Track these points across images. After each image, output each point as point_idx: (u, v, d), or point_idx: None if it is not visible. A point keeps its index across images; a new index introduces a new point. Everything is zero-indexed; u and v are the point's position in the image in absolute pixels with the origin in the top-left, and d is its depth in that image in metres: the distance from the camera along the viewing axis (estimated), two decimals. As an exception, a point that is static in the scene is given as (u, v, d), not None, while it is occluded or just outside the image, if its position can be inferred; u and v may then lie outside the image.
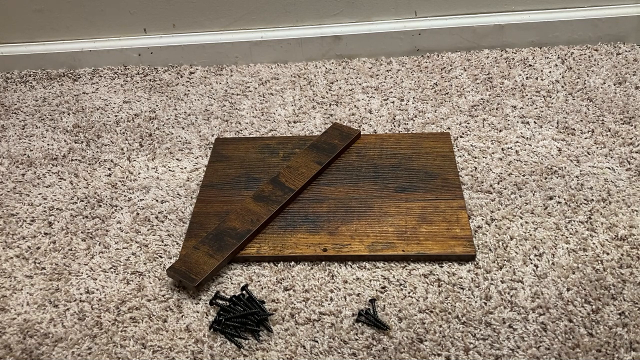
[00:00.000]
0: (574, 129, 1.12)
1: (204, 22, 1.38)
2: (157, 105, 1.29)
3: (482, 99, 1.22)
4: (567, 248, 0.90)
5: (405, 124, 1.17)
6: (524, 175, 1.02)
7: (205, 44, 1.38)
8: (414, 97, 1.24)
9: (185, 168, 1.11)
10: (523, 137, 1.11)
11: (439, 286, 0.86)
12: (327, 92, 1.28)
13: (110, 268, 0.93)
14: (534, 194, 0.99)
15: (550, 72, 1.28)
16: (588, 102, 1.18)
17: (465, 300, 0.84)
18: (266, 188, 1.01)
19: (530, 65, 1.30)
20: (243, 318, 0.82)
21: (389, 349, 0.78)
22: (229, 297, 0.86)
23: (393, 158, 1.07)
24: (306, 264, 0.91)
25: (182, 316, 0.85)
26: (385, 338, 0.80)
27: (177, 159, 1.14)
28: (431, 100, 1.23)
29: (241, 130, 1.20)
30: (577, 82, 1.24)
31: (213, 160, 1.10)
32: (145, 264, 0.93)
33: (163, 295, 0.88)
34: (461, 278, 0.87)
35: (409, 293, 0.85)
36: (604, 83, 1.22)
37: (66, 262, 0.95)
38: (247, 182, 1.05)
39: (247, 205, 0.98)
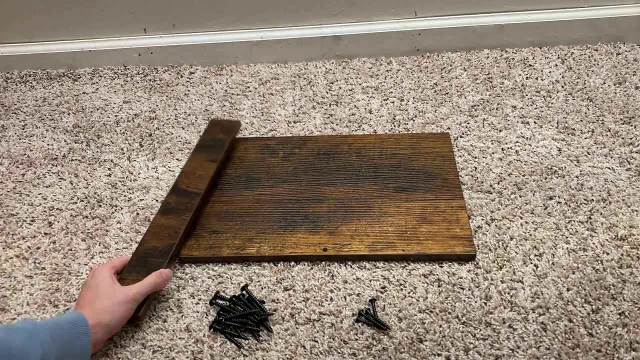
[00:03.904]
0: (574, 129, 1.12)
1: (204, 22, 1.38)
2: (157, 105, 1.29)
3: (482, 99, 1.22)
4: (567, 248, 0.90)
5: (405, 124, 1.17)
6: (524, 175, 1.03)
7: (205, 44, 1.39)
8: (414, 97, 1.24)
9: (185, 168, 1.11)
10: (523, 137, 1.11)
11: (439, 286, 0.86)
12: (327, 92, 1.28)
13: (110, 268, 0.93)
14: (534, 194, 0.99)
15: (550, 72, 1.28)
16: (588, 102, 1.18)
17: (465, 300, 0.84)
18: (170, 200, 0.97)
19: (530, 65, 1.30)
20: (243, 318, 0.82)
21: (389, 349, 0.78)
22: (229, 297, 0.86)
23: (393, 158, 1.07)
24: (306, 264, 0.91)
25: (182, 316, 0.85)
26: (385, 338, 0.80)
27: (177, 159, 1.14)
28: (431, 100, 1.23)
29: (241, 130, 1.20)
30: (577, 82, 1.24)
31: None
32: (145, 264, 0.93)
33: (163, 295, 0.88)
34: (461, 278, 0.87)
35: (409, 293, 0.85)
36: (604, 83, 1.22)
37: (66, 262, 0.95)
38: (247, 182, 1.05)
39: (158, 222, 0.93)
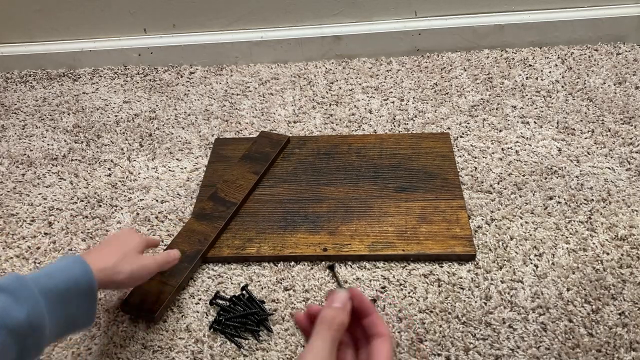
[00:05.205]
0: (574, 129, 1.12)
1: (204, 22, 1.38)
2: (157, 105, 1.29)
3: (482, 99, 1.22)
4: (567, 248, 0.90)
5: (405, 124, 1.17)
6: (524, 175, 1.03)
7: (205, 44, 1.38)
8: (414, 97, 1.24)
9: (185, 168, 1.11)
10: (523, 137, 1.11)
11: (439, 286, 0.86)
12: (327, 92, 1.28)
13: (110, 268, 0.93)
14: (534, 194, 0.99)
15: (550, 72, 1.28)
16: (588, 102, 1.18)
17: (465, 300, 0.84)
18: (206, 206, 0.98)
19: (530, 65, 1.30)
20: (243, 318, 0.83)
21: (389, 349, 0.78)
22: (229, 297, 0.86)
23: (393, 158, 1.07)
24: (306, 264, 0.91)
25: (182, 316, 0.85)
26: (385, 338, 0.80)
27: (177, 159, 1.14)
28: (431, 100, 1.23)
29: (241, 130, 1.20)
30: (577, 82, 1.24)
31: (213, 160, 1.10)
32: (145, 264, 0.93)
33: (163, 295, 0.88)
34: (461, 278, 0.87)
35: (409, 293, 0.85)
36: (604, 83, 1.22)
37: (66, 262, 0.95)
38: (247, 182, 1.05)
39: (191, 226, 0.94)
